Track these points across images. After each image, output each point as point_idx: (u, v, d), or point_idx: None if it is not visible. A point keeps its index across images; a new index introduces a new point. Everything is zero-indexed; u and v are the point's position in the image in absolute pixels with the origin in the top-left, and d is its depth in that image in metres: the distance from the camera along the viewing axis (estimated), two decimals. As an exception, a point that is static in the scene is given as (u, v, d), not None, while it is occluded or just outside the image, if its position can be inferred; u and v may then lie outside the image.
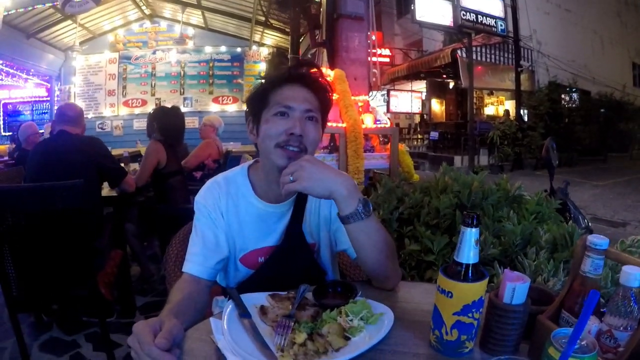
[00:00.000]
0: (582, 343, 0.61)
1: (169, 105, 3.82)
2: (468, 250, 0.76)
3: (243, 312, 0.94)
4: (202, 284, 1.11)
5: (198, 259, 1.12)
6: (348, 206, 0.96)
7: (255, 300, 1.01)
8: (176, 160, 3.40)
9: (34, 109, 13.81)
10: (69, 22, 8.84)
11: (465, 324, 0.78)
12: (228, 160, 4.38)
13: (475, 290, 0.77)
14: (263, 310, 0.96)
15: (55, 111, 2.93)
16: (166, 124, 3.35)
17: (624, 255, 0.79)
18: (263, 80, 1.17)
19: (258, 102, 1.13)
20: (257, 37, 9.96)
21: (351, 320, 0.88)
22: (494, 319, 0.79)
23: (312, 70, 1.16)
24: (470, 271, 0.77)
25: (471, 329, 0.79)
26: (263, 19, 8.87)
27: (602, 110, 13.55)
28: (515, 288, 0.77)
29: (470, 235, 0.76)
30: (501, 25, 12.15)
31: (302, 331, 0.84)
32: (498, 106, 15.61)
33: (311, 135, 1.10)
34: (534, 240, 1.61)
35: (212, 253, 1.13)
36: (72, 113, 2.83)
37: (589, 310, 0.59)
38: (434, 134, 13.83)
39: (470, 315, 0.78)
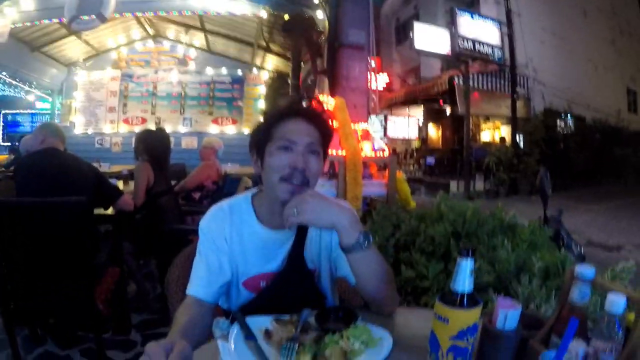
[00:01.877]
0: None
1: (160, 127, 3.87)
2: (463, 279, 0.82)
3: (248, 335, 0.98)
4: (205, 307, 1.16)
5: (202, 282, 1.17)
6: (349, 237, 1.02)
7: (259, 323, 1.05)
8: (164, 180, 3.45)
9: (33, 120, 13.90)
10: (73, 37, 8.95)
11: (460, 348, 0.83)
12: (227, 182, 4.42)
13: (470, 316, 0.82)
14: (267, 333, 1.00)
15: (42, 125, 2.88)
16: (151, 146, 3.41)
17: (608, 284, 0.85)
18: (267, 114, 1.22)
19: (262, 135, 1.18)
20: (258, 61, 10.11)
21: (352, 343, 0.92)
22: (487, 344, 0.85)
23: (313, 104, 1.22)
24: (465, 299, 0.82)
25: (466, 352, 0.84)
26: (265, 44, 9.02)
27: (596, 135, 13.72)
28: (507, 314, 0.83)
29: (465, 266, 0.82)
30: (498, 54, 12.41)
31: (307, 353, 0.89)
32: (494, 132, 15.82)
33: (314, 168, 1.15)
34: (527, 268, 1.66)
35: (215, 277, 1.18)
36: (56, 127, 2.86)
37: (570, 335, 0.65)
38: (430, 160, 13.97)
39: (465, 339, 0.83)
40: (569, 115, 13.03)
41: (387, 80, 15.37)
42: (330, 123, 1.24)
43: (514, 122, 12.46)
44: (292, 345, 0.93)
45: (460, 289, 0.82)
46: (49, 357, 2.60)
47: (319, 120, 1.19)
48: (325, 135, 1.21)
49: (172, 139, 3.83)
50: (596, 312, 1.42)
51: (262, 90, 9.88)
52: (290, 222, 1.03)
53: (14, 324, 2.16)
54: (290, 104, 1.21)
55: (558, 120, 12.79)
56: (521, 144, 12.51)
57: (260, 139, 1.18)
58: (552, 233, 2.08)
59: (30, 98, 13.79)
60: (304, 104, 1.22)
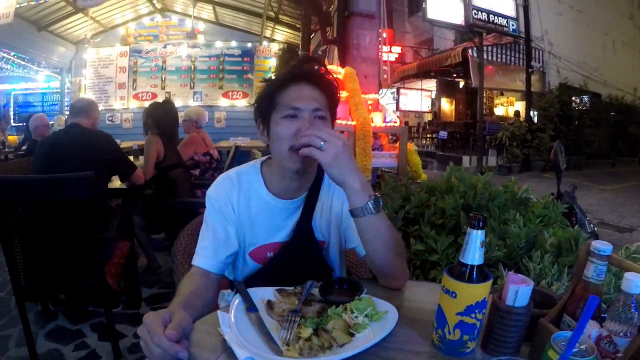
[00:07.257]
0: (582, 347, 0.62)
1: (167, 100, 3.81)
2: (473, 251, 0.78)
3: (250, 306, 0.96)
4: (211, 278, 1.13)
5: (208, 252, 1.14)
6: (358, 200, 0.98)
7: (262, 294, 1.03)
8: (174, 153, 3.44)
9: (44, 100, 13.98)
10: (80, 15, 8.86)
11: (468, 324, 0.80)
12: (237, 155, 4.38)
13: (479, 291, 0.79)
14: (270, 304, 0.98)
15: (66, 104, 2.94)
16: (160, 119, 3.41)
17: (626, 262, 0.80)
18: (269, 81, 1.17)
19: (266, 104, 1.13)
20: (267, 33, 9.95)
21: (356, 317, 0.90)
22: (496, 320, 0.81)
23: (317, 67, 1.17)
24: (474, 272, 0.78)
25: (473, 329, 0.81)
26: (274, 14, 8.86)
27: (612, 113, 13.37)
28: (518, 290, 0.78)
29: (475, 237, 0.77)
30: (513, 25, 12.04)
31: (308, 326, 0.86)
32: (508, 107, 15.52)
33: None
34: (539, 243, 1.61)
35: (222, 247, 1.15)
36: (80, 104, 2.88)
37: (588, 315, 0.60)
38: (443, 134, 13.76)
39: (473, 315, 0.79)
40: (584, 91, 12.65)
41: (400, 52, 15.09)
42: (335, 84, 1.18)
43: (529, 97, 12.18)
44: (293, 317, 0.90)
45: (469, 262, 0.78)
46: (60, 332, 2.64)
47: (323, 83, 1.14)
48: (331, 98, 1.16)
49: (181, 114, 3.79)
50: (609, 293, 1.38)
51: (272, 62, 9.78)
52: (309, 152, 0.97)
53: (25, 300, 2.18)
54: (292, 69, 1.16)
55: (573, 97, 12.40)
56: (535, 119, 12.22)
57: (265, 108, 1.14)
58: (565, 209, 2.02)
59: (40, 77, 13.82)
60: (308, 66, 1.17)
